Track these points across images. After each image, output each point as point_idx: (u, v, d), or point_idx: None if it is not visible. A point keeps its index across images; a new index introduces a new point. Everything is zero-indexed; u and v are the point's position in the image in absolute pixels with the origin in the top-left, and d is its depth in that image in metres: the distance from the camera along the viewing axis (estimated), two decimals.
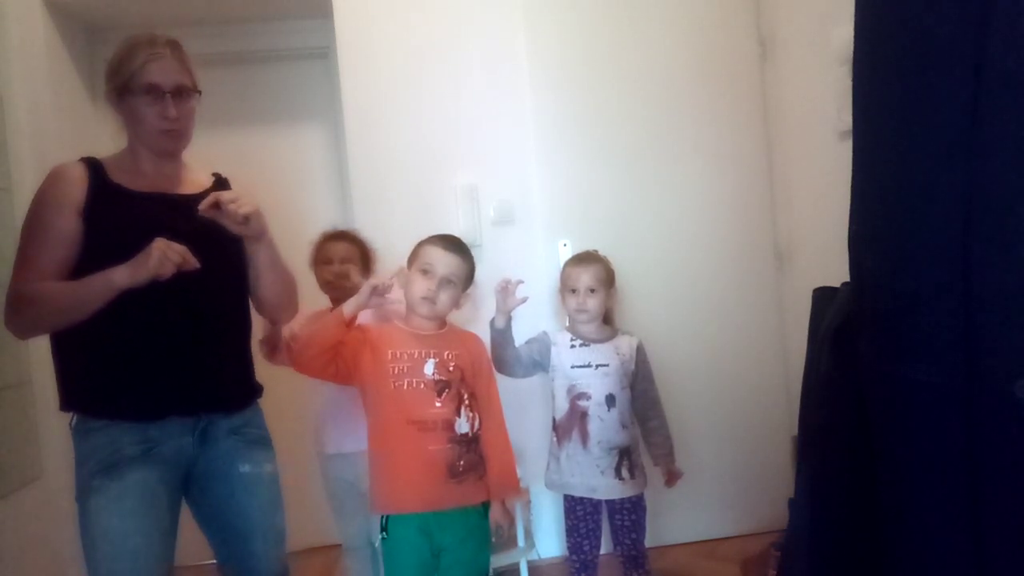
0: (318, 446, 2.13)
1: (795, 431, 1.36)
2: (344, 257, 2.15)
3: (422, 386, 1.62)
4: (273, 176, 2.98)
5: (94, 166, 1.48)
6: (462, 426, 1.63)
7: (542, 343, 2.06)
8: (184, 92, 1.47)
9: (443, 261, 1.66)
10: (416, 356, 1.64)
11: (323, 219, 2.62)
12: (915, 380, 0.89)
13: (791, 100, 2.60)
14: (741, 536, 2.69)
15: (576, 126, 2.65)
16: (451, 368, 1.65)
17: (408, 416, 1.60)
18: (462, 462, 1.62)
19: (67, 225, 1.40)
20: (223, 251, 1.50)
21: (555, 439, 2.03)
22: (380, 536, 1.64)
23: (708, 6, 2.69)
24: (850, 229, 1.03)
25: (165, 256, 1.31)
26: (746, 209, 2.72)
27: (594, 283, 1.98)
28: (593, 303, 1.98)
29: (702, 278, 2.70)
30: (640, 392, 2.04)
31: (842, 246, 1.06)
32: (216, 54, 2.85)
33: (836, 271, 1.12)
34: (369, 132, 2.62)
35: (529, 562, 2.53)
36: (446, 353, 1.66)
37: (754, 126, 2.73)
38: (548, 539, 2.68)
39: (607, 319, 2.08)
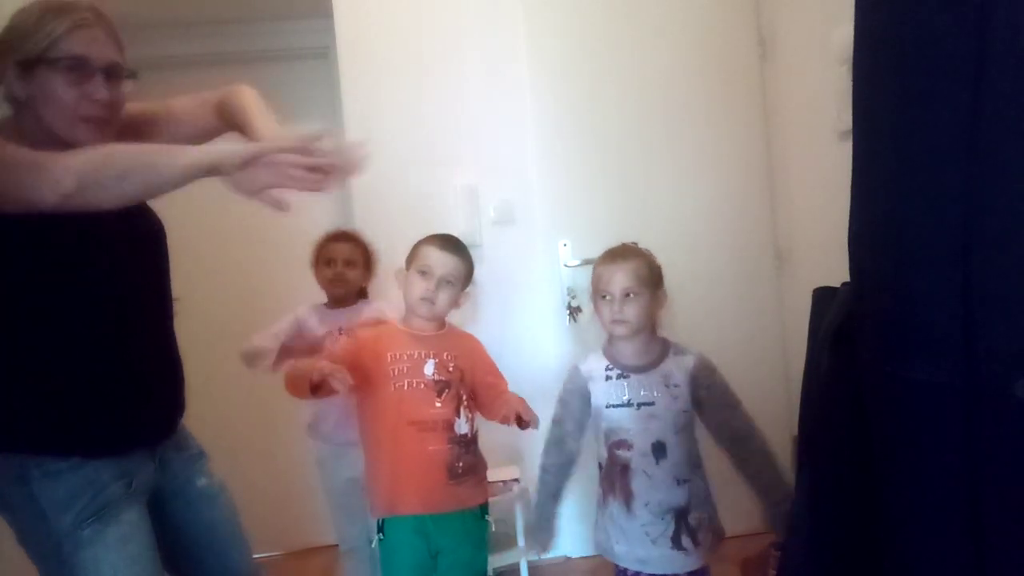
0: (322, 438, 2.12)
1: (795, 431, 1.35)
2: (347, 258, 2.17)
3: (422, 386, 1.62)
4: None
5: None
6: (461, 426, 1.63)
7: (577, 390, 1.62)
8: (117, 72, 1.19)
9: (441, 261, 1.65)
10: (416, 357, 1.63)
11: (323, 219, 2.62)
12: (915, 380, 0.89)
13: (791, 100, 2.60)
14: (741, 536, 2.68)
15: (576, 126, 2.65)
16: (451, 368, 1.65)
17: (408, 417, 1.60)
18: (461, 463, 1.62)
19: None
20: (157, 260, 1.38)
21: (600, 492, 1.64)
22: (376, 537, 1.63)
23: (708, 6, 2.69)
24: (850, 229, 1.03)
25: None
26: (746, 209, 2.72)
27: (632, 284, 1.54)
28: (632, 311, 1.53)
29: (702, 278, 2.69)
30: (720, 425, 1.56)
31: (842, 246, 1.06)
32: (216, 54, 2.85)
33: (836, 271, 1.12)
34: (369, 132, 2.62)
35: (529, 562, 2.53)
36: (445, 354, 1.65)
37: (754, 126, 2.72)
38: None
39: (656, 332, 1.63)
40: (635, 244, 1.67)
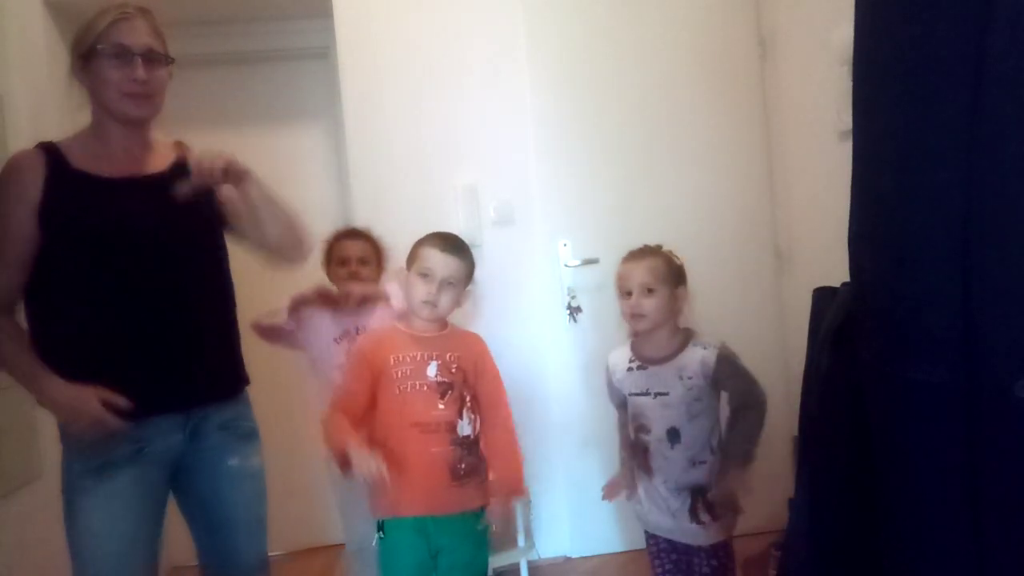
0: None
1: (795, 431, 1.36)
2: (361, 256, 2.15)
3: (425, 388, 1.61)
4: (273, 176, 2.96)
5: (52, 153, 1.40)
6: (464, 428, 1.62)
7: (608, 382, 1.77)
8: (154, 56, 1.41)
9: (443, 263, 1.63)
10: (419, 359, 1.63)
11: (323, 219, 2.61)
12: (915, 380, 0.89)
13: (791, 100, 2.60)
14: (741, 536, 2.68)
15: (576, 126, 2.65)
16: (453, 370, 1.64)
17: (411, 419, 1.59)
18: (463, 465, 1.61)
19: (23, 224, 1.35)
20: (197, 233, 1.46)
21: (637, 467, 1.76)
22: (376, 537, 1.63)
23: (708, 6, 2.69)
24: (850, 229, 1.03)
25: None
26: (746, 209, 2.72)
27: (651, 280, 1.64)
28: (651, 304, 1.64)
29: (702, 278, 2.66)
30: (735, 408, 1.64)
31: (842, 246, 1.06)
32: (216, 54, 2.85)
33: (836, 271, 1.12)
34: (369, 132, 2.62)
35: (529, 562, 2.53)
36: (448, 355, 1.65)
37: (754, 126, 2.72)
38: (548, 539, 2.68)
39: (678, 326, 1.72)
40: (658, 246, 1.76)
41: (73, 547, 1.38)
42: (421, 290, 1.63)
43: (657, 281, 1.65)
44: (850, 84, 1.00)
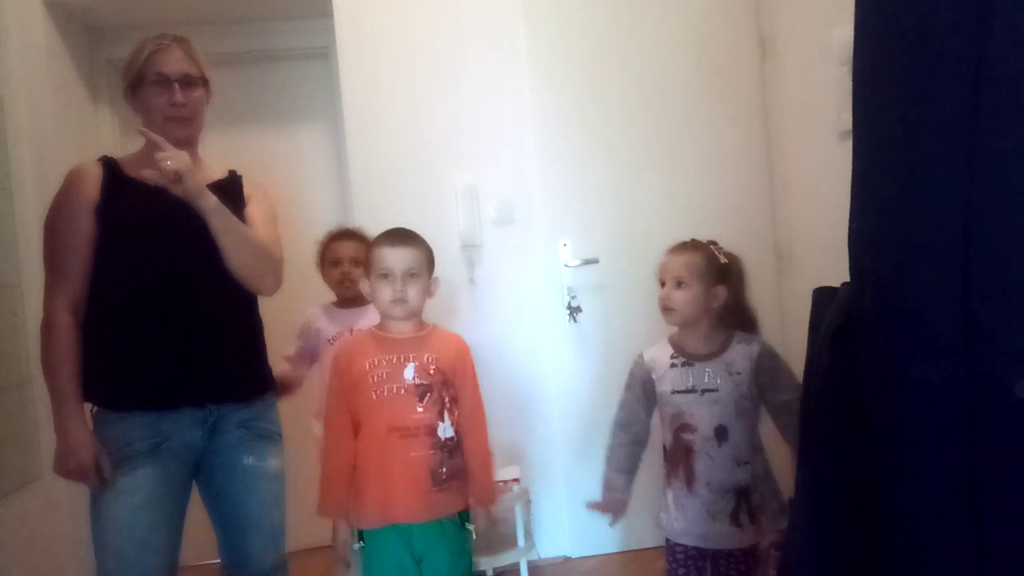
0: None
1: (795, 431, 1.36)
2: (353, 257, 2.18)
3: (403, 391, 1.58)
4: (273, 176, 2.97)
5: (109, 164, 1.54)
6: (445, 430, 1.60)
7: (639, 377, 1.69)
8: (191, 81, 1.54)
9: (397, 258, 1.60)
10: (395, 361, 1.60)
11: (323, 219, 2.62)
12: (915, 380, 0.89)
13: (791, 100, 2.60)
14: None
15: (576, 126, 2.65)
16: (432, 371, 1.61)
17: (390, 423, 1.57)
18: (444, 469, 1.59)
19: (85, 220, 1.46)
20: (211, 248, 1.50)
21: (665, 473, 1.69)
22: (358, 545, 1.61)
23: (708, 6, 2.69)
24: (850, 229, 1.03)
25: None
26: (746, 209, 2.72)
27: (684, 273, 1.59)
28: (681, 298, 1.59)
29: None
30: (778, 407, 1.60)
31: (842, 246, 1.06)
32: (216, 54, 2.82)
33: (836, 271, 1.12)
34: (369, 132, 2.63)
35: (529, 562, 2.53)
36: (426, 356, 1.62)
37: (754, 126, 2.73)
38: (548, 539, 2.68)
39: (724, 323, 1.67)
40: (710, 242, 1.71)
41: (95, 538, 1.43)
42: (386, 291, 1.60)
43: (691, 275, 1.60)
44: (850, 84, 1.00)
